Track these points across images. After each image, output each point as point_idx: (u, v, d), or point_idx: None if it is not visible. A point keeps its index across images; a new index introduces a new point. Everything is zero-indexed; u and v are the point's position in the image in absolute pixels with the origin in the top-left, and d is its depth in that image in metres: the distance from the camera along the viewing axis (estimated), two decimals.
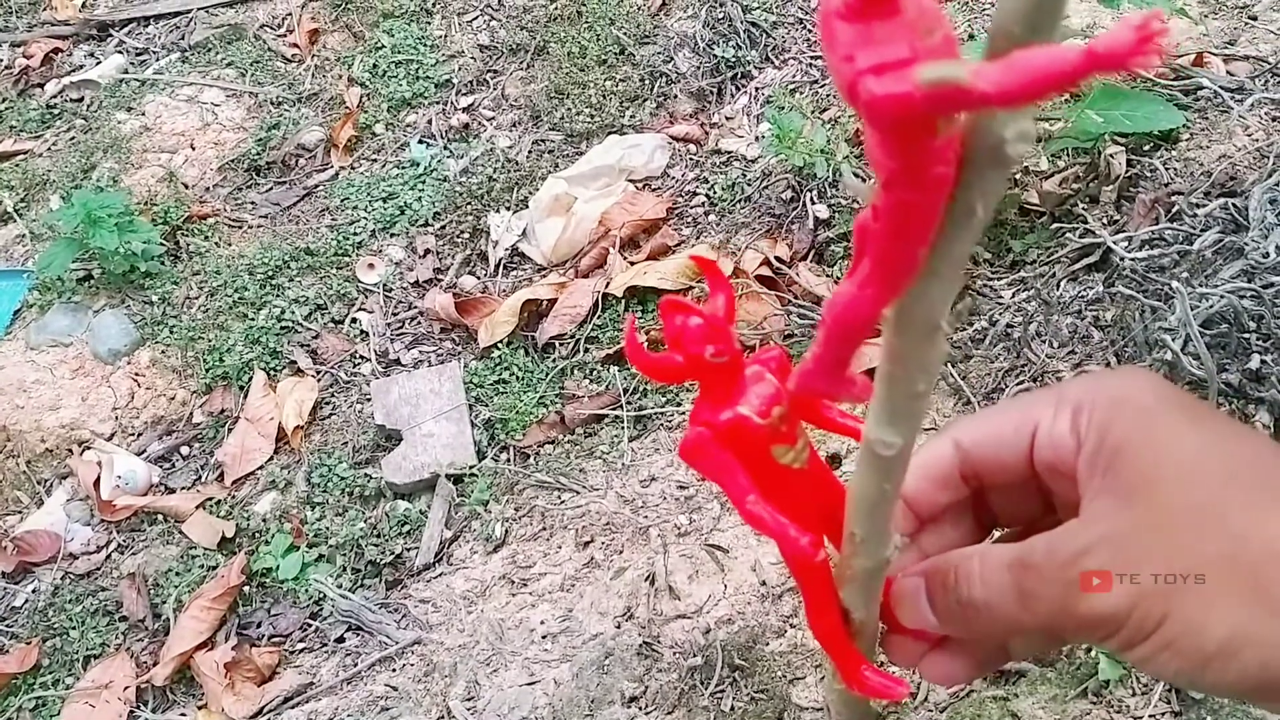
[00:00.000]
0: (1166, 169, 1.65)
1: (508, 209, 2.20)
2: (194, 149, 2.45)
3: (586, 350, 1.93)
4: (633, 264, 2.01)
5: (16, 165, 2.49)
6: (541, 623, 1.54)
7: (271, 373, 2.04)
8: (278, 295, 2.14)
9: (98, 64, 2.69)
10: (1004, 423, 0.47)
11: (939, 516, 0.50)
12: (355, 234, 2.24)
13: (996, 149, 0.33)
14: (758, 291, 1.87)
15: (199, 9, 2.76)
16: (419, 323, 2.10)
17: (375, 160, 2.39)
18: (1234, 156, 1.59)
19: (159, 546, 1.85)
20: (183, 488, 1.94)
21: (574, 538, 1.64)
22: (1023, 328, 1.54)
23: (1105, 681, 1.17)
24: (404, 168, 2.34)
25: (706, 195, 2.12)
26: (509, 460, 1.83)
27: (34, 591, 1.84)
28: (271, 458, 1.93)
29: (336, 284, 2.16)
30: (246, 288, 2.15)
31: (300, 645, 1.70)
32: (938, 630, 0.48)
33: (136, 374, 2.07)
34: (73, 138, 2.53)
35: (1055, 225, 1.68)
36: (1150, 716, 1.14)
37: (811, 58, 2.27)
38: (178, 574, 1.79)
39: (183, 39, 2.72)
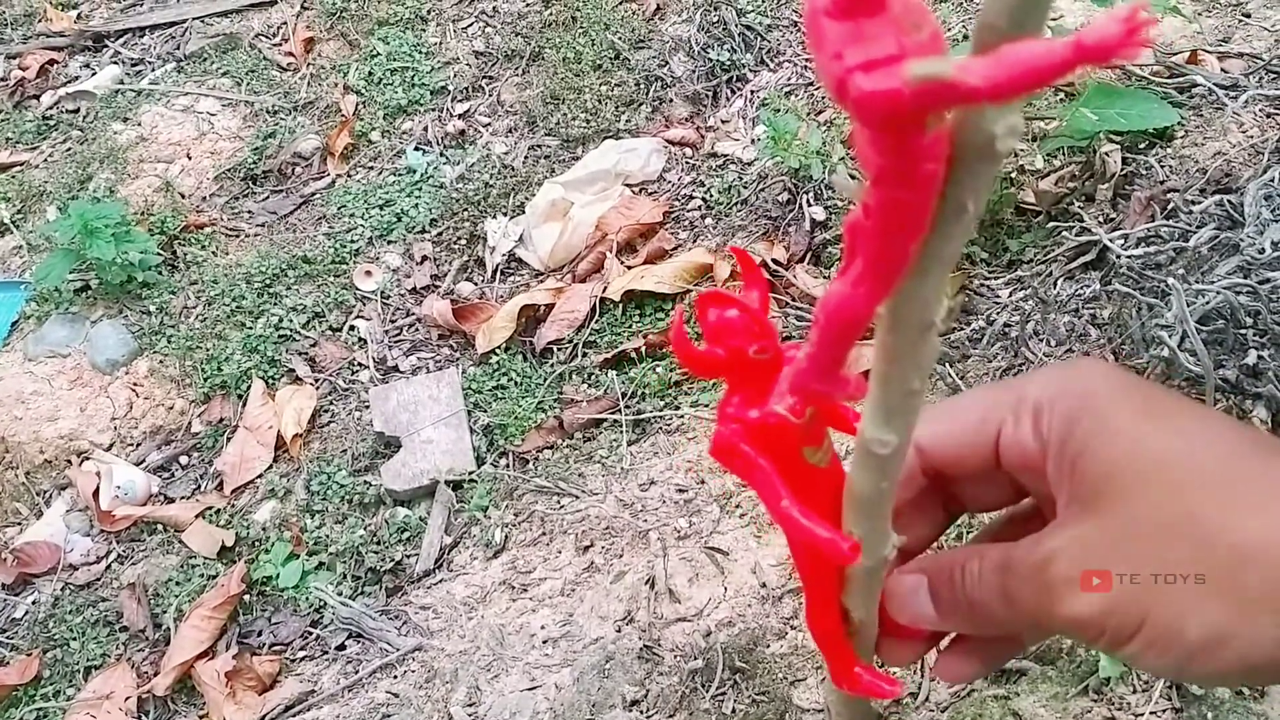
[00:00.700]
0: (1162, 166, 1.65)
1: (504, 215, 2.20)
2: (190, 159, 2.45)
3: (584, 355, 1.93)
4: (630, 268, 2.01)
5: (13, 177, 2.49)
6: (542, 627, 1.54)
7: (270, 381, 2.04)
8: (275, 304, 2.14)
9: (93, 75, 2.69)
10: (964, 424, 0.47)
11: (903, 510, 0.50)
12: (352, 241, 2.24)
13: (986, 144, 0.33)
14: None
15: (194, 19, 2.77)
16: (417, 329, 2.10)
17: (372, 168, 2.39)
18: (1229, 153, 1.59)
19: (159, 556, 1.85)
20: (182, 497, 1.93)
21: (574, 542, 1.64)
22: (1020, 326, 1.54)
23: (1106, 679, 1.17)
24: (400, 175, 2.34)
25: (703, 199, 2.12)
26: (508, 466, 1.83)
27: (34, 603, 1.83)
28: (270, 466, 1.93)
29: (334, 292, 2.16)
30: (244, 296, 2.15)
31: (301, 653, 1.70)
32: (935, 627, 0.48)
33: (135, 384, 2.07)
34: (69, 149, 2.54)
35: (1051, 224, 1.69)
36: (1151, 713, 1.14)
37: (806, 60, 2.27)
38: (178, 583, 1.79)
39: (178, 49, 2.72)
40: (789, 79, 2.25)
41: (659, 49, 2.38)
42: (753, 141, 2.16)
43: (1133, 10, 0.27)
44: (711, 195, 2.11)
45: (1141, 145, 1.72)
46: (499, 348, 1.97)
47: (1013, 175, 1.73)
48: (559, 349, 1.95)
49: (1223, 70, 1.85)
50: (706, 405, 1.75)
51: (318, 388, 2.02)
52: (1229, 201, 1.37)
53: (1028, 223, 1.74)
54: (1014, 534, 0.45)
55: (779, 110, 2.05)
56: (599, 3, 2.49)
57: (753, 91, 2.26)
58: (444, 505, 1.79)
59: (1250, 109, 1.67)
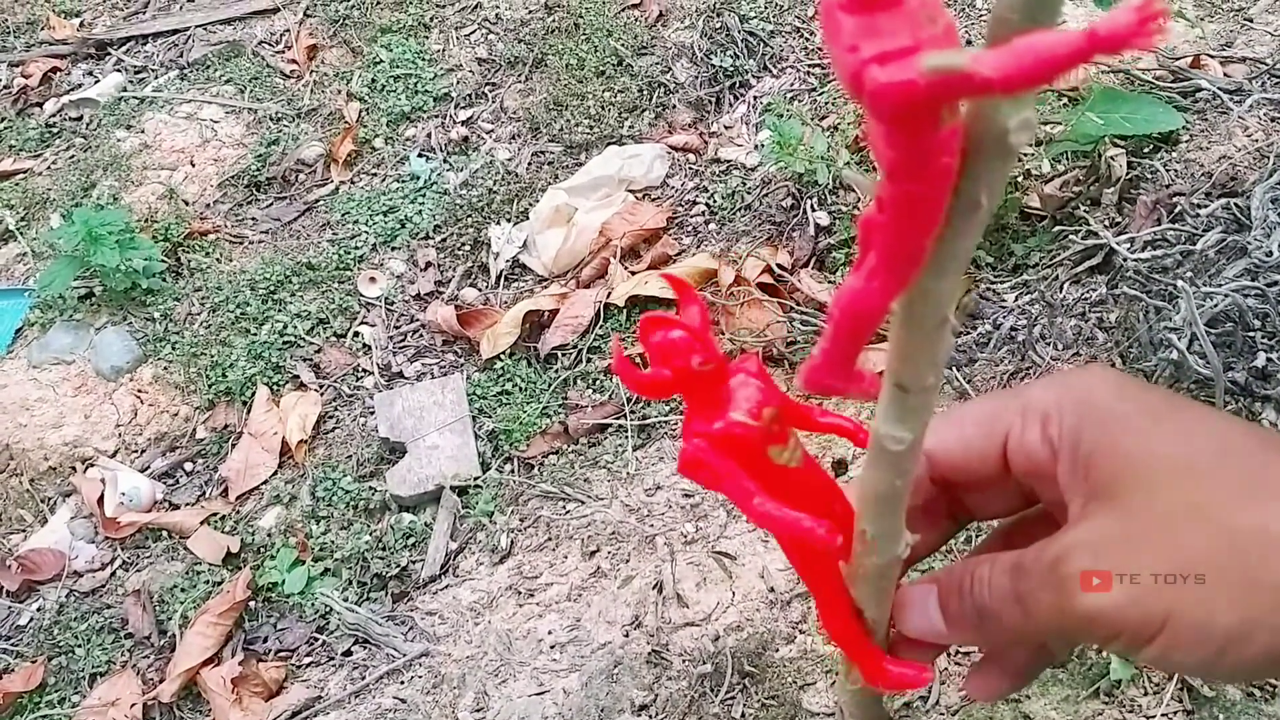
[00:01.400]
0: (1167, 170, 1.65)
1: (508, 221, 2.20)
2: (194, 166, 2.46)
3: (589, 360, 1.93)
4: (634, 274, 2.01)
5: (16, 184, 2.49)
6: (549, 633, 1.54)
7: (274, 387, 2.04)
8: (279, 310, 2.14)
9: (96, 82, 2.69)
10: (971, 432, 0.47)
11: (910, 517, 0.50)
12: (356, 248, 2.24)
13: (1000, 138, 0.33)
14: (759, 299, 1.87)
15: (197, 26, 2.77)
16: (421, 335, 2.10)
17: (375, 174, 2.39)
18: (1234, 157, 1.59)
19: (164, 563, 1.84)
20: (187, 504, 1.93)
21: (580, 547, 1.64)
22: (1027, 330, 1.54)
23: (1117, 681, 1.17)
24: (404, 181, 2.34)
25: (706, 204, 2.12)
26: (513, 471, 1.83)
27: (39, 610, 1.83)
28: (275, 472, 1.93)
29: (338, 298, 2.16)
30: (248, 303, 2.15)
31: (307, 659, 1.70)
32: (942, 640, 0.47)
33: (139, 391, 2.07)
34: (72, 156, 2.54)
35: (1057, 228, 1.68)
36: (1163, 716, 1.14)
37: (809, 66, 2.28)
38: (183, 590, 1.79)
39: (181, 56, 2.72)
40: (792, 84, 2.25)
41: (662, 55, 2.39)
42: (756, 147, 2.16)
43: (1147, 1, 0.27)
44: (715, 201, 2.11)
45: (1146, 149, 1.72)
46: (503, 353, 1.97)
47: (1018, 180, 1.73)
48: (563, 354, 1.95)
49: (1225, 75, 1.86)
50: None
51: (322, 394, 2.02)
52: (1235, 205, 1.37)
53: (1033, 227, 1.74)
54: (1022, 542, 0.44)
55: (783, 115, 2.05)
56: (601, 9, 2.49)
57: (756, 97, 2.27)
58: (449, 511, 1.79)
59: (1255, 113, 1.67)
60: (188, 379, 2.07)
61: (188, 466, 2.00)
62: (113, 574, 1.86)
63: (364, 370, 2.06)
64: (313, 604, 1.74)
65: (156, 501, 1.93)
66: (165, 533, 1.88)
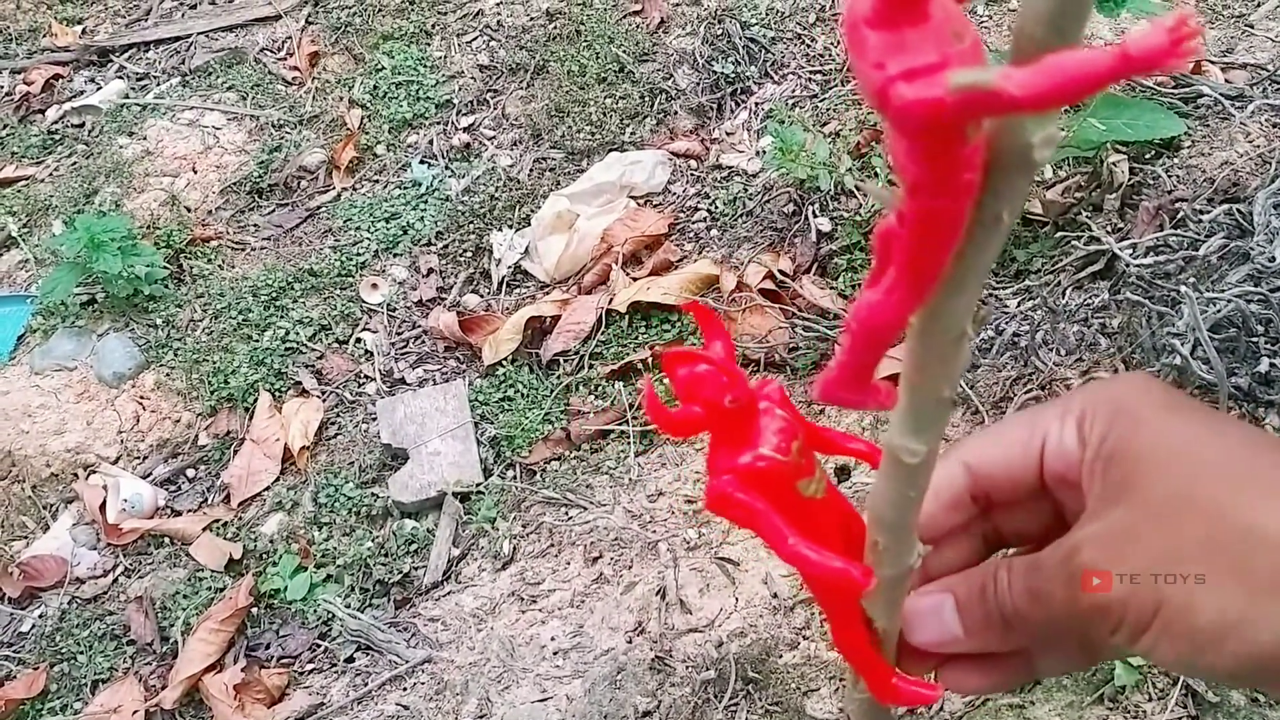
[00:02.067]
0: (1169, 176, 1.65)
1: (510, 227, 2.20)
2: (196, 172, 2.46)
3: (591, 366, 1.93)
4: (635, 280, 2.01)
5: (19, 191, 2.49)
6: (552, 639, 1.54)
7: (277, 394, 2.04)
8: (282, 316, 2.14)
9: (98, 89, 2.70)
10: (1012, 439, 0.48)
11: (946, 539, 0.50)
12: (358, 254, 2.24)
13: (1022, 154, 0.33)
14: (761, 305, 1.87)
15: (199, 33, 2.78)
16: (423, 342, 2.10)
17: (377, 181, 2.40)
18: (1236, 163, 1.59)
19: (166, 569, 1.84)
20: (189, 510, 1.93)
21: (582, 553, 1.64)
22: (1029, 336, 1.54)
23: (1121, 687, 1.17)
24: (406, 188, 2.35)
25: (708, 210, 2.13)
26: (515, 477, 1.83)
27: (41, 616, 1.83)
28: (278, 479, 1.93)
29: (340, 304, 2.16)
30: (250, 309, 2.15)
31: (310, 666, 1.70)
32: (957, 647, 0.47)
33: (141, 397, 2.07)
34: (74, 163, 2.54)
35: (1059, 234, 1.69)
36: None
37: (811, 72, 2.28)
38: (185, 597, 1.79)
39: (183, 63, 2.73)
40: (794, 91, 2.25)
41: (663, 62, 2.39)
42: (758, 153, 2.16)
43: (1179, 19, 0.27)
44: (717, 207, 2.11)
45: (1148, 155, 1.72)
46: (505, 360, 1.97)
47: None
48: (565, 360, 1.95)
49: (1227, 81, 1.86)
50: None
51: (324, 400, 2.02)
52: (1238, 210, 1.37)
53: (1035, 233, 1.74)
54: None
55: (785, 121, 2.06)
56: (603, 16, 2.50)
57: (757, 103, 2.27)
58: (451, 517, 1.79)
59: (1257, 119, 1.67)
60: (190, 385, 2.07)
61: (190, 473, 2.00)
62: (115, 581, 1.86)
63: (366, 376, 2.06)
64: (315, 610, 1.73)
65: (159, 508, 1.93)
66: (167, 539, 1.88)
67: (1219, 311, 1.21)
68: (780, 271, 1.91)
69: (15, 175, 2.53)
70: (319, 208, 2.37)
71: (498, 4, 2.65)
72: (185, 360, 2.10)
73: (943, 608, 0.47)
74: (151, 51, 2.79)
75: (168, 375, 2.09)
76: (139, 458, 2.01)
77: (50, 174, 2.54)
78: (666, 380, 0.44)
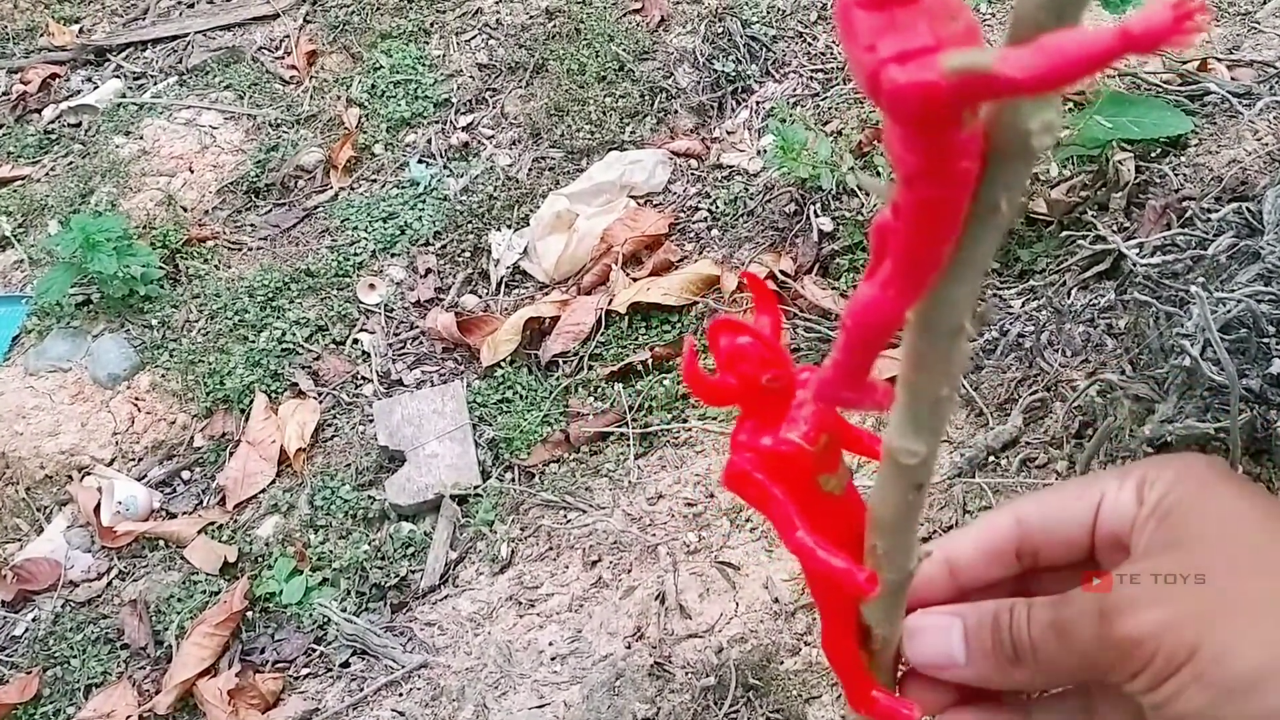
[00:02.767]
0: (1176, 175, 1.63)
1: (509, 227, 2.18)
2: (192, 172, 2.44)
3: (590, 368, 1.91)
4: (635, 280, 2.00)
5: (14, 191, 2.48)
6: (550, 644, 1.52)
7: (273, 395, 2.02)
8: (278, 317, 2.13)
9: (95, 89, 2.68)
10: (1068, 496, 0.47)
11: (981, 591, 0.48)
12: (356, 254, 2.22)
13: (1021, 141, 0.32)
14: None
15: (196, 32, 2.76)
16: (421, 343, 2.08)
17: (375, 180, 2.38)
18: (1244, 161, 1.57)
19: (160, 573, 1.83)
20: (184, 513, 1.92)
21: (581, 557, 1.62)
22: (1034, 337, 1.52)
23: None
24: (404, 187, 2.33)
25: (709, 210, 2.11)
26: (514, 480, 1.81)
27: (34, 620, 1.82)
28: (273, 481, 1.91)
29: (337, 305, 2.14)
30: (247, 310, 2.14)
31: (305, 671, 1.68)
32: (953, 673, 0.46)
33: (136, 398, 2.06)
34: (70, 163, 2.53)
35: (1064, 233, 1.67)
36: None
37: (812, 71, 2.26)
38: (180, 600, 1.77)
39: (180, 63, 2.71)
40: (795, 90, 2.24)
41: (664, 60, 2.37)
42: (759, 153, 2.14)
43: None
44: (717, 207, 2.09)
45: (1154, 153, 1.71)
46: (504, 361, 1.95)
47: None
48: (564, 362, 1.94)
49: (1233, 78, 1.84)
50: (715, 418, 1.73)
51: (321, 401, 2.01)
52: (1247, 209, 1.35)
53: (1039, 232, 1.72)
54: None
55: (786, 120, 2.04)
56: (603, 14, 2.48)
57: (758, 103, 2.25)
58: (449, 520, 1.77)
59: (1264, 116, 1.65)
60: (185, 387, 2.06)
61: (185, 475, 1.98)
62: (109, 584, 1.84)
63: (363, 378, 2.04)
64: (311, 614, 1.72)
65: (153, 510, 1.92)
66: (162, 542, 1.86)
67: (1229, 312, 1.19)
68: (781, 272, 1.89)
69: (11, 175, 2.52)
70: (316, 207, 2.35)
71: (496, 2, 2.64)
72: (181, 361, 2.08)
73: (949, 629, 0.46)
74: (149, 50, 2.77)
75: (163, 376, 2.08)
76: (134, 460, 2.00)
77: (46, 174, 2.53)
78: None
